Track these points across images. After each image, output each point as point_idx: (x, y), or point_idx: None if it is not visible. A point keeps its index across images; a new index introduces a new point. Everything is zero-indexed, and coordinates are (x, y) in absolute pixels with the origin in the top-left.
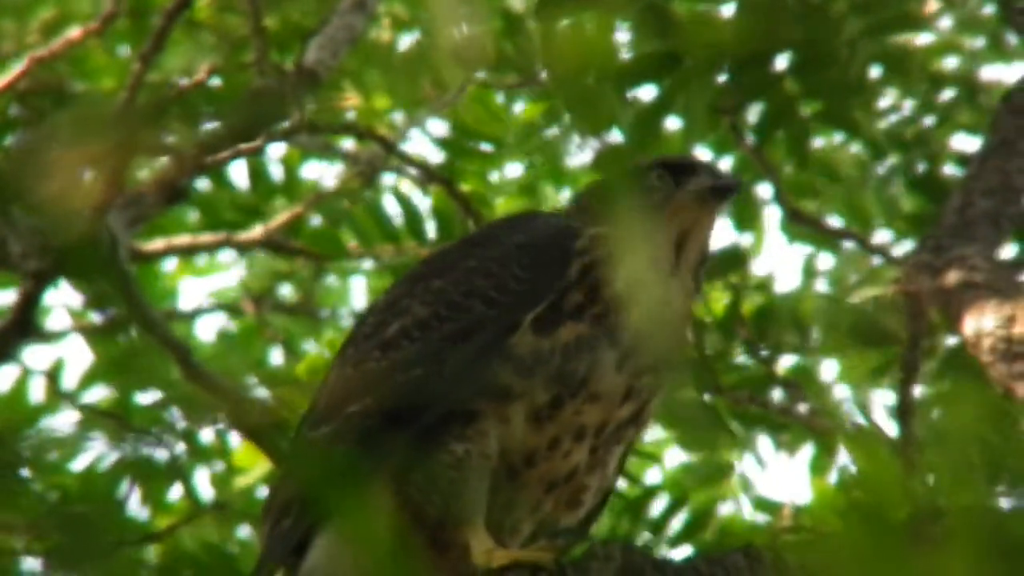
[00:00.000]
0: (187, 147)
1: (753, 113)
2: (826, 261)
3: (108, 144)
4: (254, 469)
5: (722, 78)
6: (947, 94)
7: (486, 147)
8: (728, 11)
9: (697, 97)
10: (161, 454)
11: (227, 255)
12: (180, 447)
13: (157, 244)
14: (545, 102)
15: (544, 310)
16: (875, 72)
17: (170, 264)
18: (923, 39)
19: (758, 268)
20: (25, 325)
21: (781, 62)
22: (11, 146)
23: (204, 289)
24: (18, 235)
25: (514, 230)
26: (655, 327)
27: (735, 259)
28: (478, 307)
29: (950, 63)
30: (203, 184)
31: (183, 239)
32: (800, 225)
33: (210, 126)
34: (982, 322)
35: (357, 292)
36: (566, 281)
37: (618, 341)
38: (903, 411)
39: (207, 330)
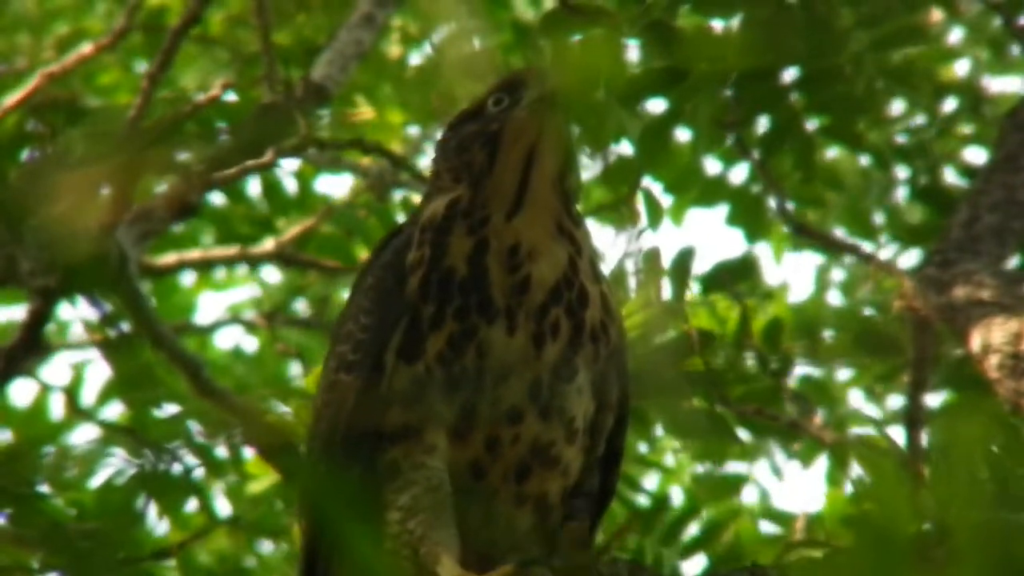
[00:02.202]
0: (196, 164)
1: (758, 127)
2: (838, 271)
3: (117, 162)
4: (266, 477)
5: (728, 92)
6: (951, 104)
7: None
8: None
9: (702, 111)
10: (176, 468)
11: (244, 269)
12: (195, 461)
13: (170, 258)
14: None
15: (404, 337)
16: (880, 84)
17: (188, 278)
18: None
19: (771, 278)
20: (33, 342)
21: (787, 77)
22: (23, 165)
23: (222, 303)
24: (27, 252)
25: (367, 271)
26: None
27: (743, 269)
28: (343, 379)
29: (955, 72)
30: (218, 198)
31: (196, 253)
32: (805, 239)
33: (219, 142)
34: (989, 338)
35: None
36: (408, 300)
37: (492, 304)
38: (910, 425)
39: (227, 344)
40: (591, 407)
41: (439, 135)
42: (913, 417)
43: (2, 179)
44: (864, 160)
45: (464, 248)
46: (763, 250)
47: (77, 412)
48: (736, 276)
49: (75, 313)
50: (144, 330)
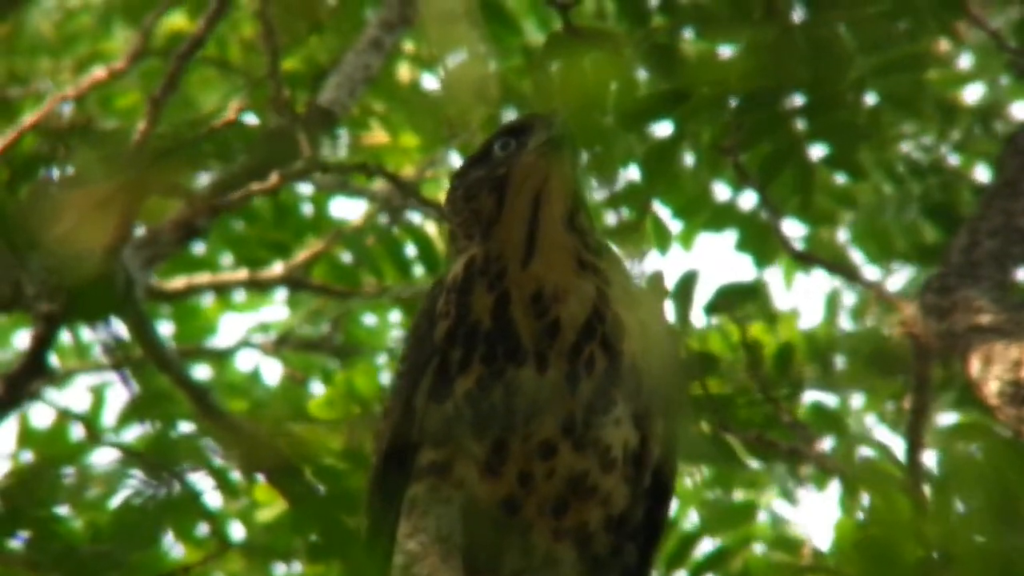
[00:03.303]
0: (199, 188)
1: (758, 153)
2: (849, 295)
3: (120, 184)
4: (275, 504)
5: (728, 116)
6: (964, 124)
7: None
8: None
9: (702, 134)
10: (187, 491)
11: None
12: (208, 483)
13: (179, 282)
14: None
15: (434, 378)
16: (884, 109)
17: (207, 300)
18: (938, 71)
19: (782, 303)
20: (37, 367)
21: (789, 102)
22: (30, 187)
23: (244, 325)
24: (31, 276)
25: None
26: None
27: (746, 293)
28: (382, 427)
29: (969, 95)
30: (239, 222)
31: (205, 277)
32: (807, 264)
33: (229, 165)
34: (989, 365)
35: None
36: (437, 345)
37: (520, 348)
38: (911, 450)
39: (247, 366)
40: (634, 438)
41: (449, 179)
42: (914, 442)
43: (8, 203)
44: (878, 178)
45: (487, 304)
46: (775, 275)
47: (92, 435)
48: (738, 301)
49: (95, 336)
50: (150, 354)
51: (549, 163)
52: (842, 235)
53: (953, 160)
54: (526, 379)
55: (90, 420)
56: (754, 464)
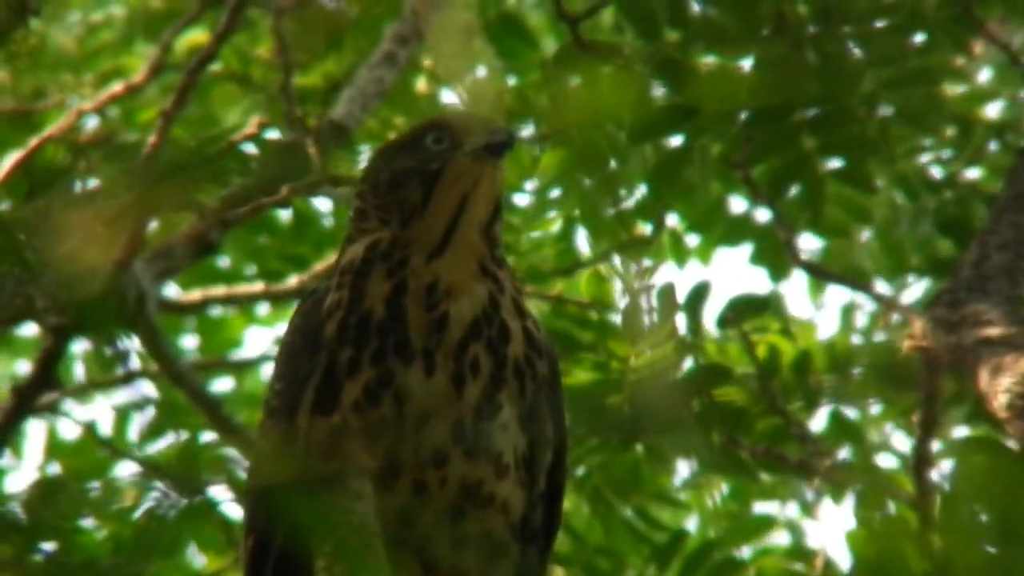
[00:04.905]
0: (210, 201)
1: (768, 167)
2: (868, 306)
3: (130, 199)
4: None
5: (738, 131)
6: (979, 138)
7: (519, 198)
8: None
9: (712, 149)
10: (207, 500)
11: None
12: (228, 493)
13: (195, 295)
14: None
15: (318, 391)
16: (895, 123)
17: (225, 312)
18: (956, 87)
19: (803, 314)
20: (46, 380)
21: (799, 117)
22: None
23: (268, 337)
24: (40, 290)
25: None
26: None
27: (755, 305)
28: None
29: (989, 111)
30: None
31: (220, 290)
32: (818, 278)
33: (241, 180)
34: (998, 378)
35: None
36: (327, 349)
37: (409, 345)
38: (920, 465)
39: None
40: (522, 442)
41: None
42: (922, 456)
43: (19, 216)
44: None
45: (383, 291)
46: (797, 286)
47: (113, 451)
48: (749, 313)
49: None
50: (163, 367)
51: (484, 169)
52: (863, 245)
53: (972, 174)
54: (414, 383)
55: (113, 434)
56: (765, 477)
